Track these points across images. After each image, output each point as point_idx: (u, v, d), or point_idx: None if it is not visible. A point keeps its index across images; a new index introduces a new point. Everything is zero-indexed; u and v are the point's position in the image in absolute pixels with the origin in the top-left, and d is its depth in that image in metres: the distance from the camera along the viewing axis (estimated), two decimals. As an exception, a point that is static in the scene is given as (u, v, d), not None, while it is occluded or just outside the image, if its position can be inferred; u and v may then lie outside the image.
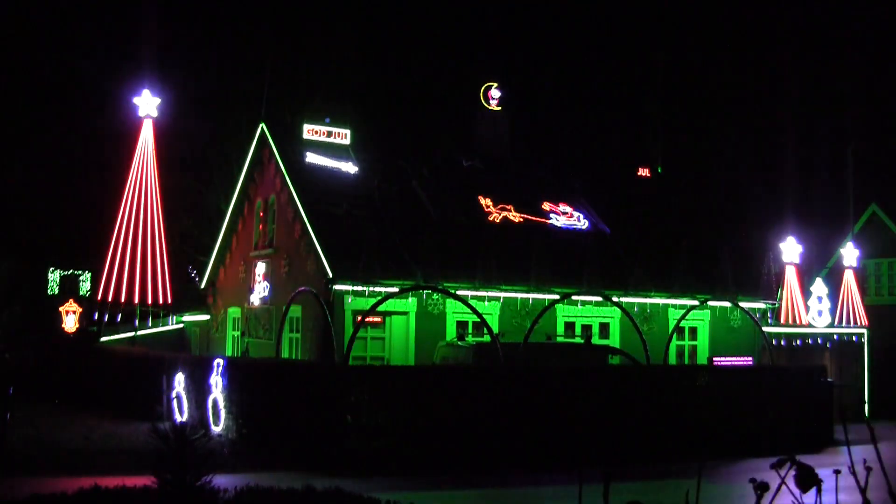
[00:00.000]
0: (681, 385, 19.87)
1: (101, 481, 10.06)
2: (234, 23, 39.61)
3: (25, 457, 16.37)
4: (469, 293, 22.76)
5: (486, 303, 23.53)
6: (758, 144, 44.36)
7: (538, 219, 26.49)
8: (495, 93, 28.67)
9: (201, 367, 20.36)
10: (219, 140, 36.92)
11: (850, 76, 43.53)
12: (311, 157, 25.49)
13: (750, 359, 25.16)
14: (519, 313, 24.15)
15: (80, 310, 29.64)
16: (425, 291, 22.78)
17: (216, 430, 18.99)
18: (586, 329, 25.05)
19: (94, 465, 15.68)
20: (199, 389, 20.13)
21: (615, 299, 22.89)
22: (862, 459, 4.01)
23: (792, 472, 3.59)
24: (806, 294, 29.11)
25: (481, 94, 28.57)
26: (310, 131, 25.97)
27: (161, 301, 27.69)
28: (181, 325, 30.58)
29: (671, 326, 23.79)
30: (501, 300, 24.04)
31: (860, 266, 31.60)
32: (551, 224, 26.55)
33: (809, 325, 28.20)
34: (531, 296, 24.14)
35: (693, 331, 26.89)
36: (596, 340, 24.30)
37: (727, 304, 25.77)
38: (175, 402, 20.87)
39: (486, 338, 20.21)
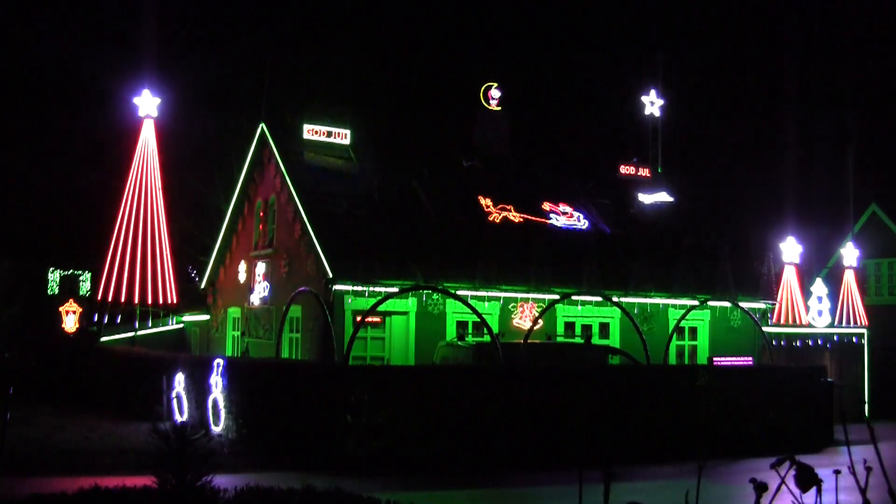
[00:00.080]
0: (681, 385, 19.85)
1: (101, 481, 10.07)
2: (234, 23, 39.64)
3: (25, 457, 16.37)
4: (469, 293, 22.76)
5: (486, 303, 23.53)
6: (758, 144, 44.37)
7: (538, 219, 26.49)
8: (495, 93, 28.67)
9: (201, 367, 20.36)
10: (219, 140, 36.91)
11: (850, 76, 43.52)
12: (311, 157, 25.50)
13: (750, 359, 25.15)
14: (519, 313, 24.15)
15: (80, 310, 29.64)
16: (425, 291, 22.78)
17: (216, 430, 18.99)
18: (586, 329, 25.05)
19: (94, 465, 15.68)
20: (199, 389, 20.13)
21: (615, 299, 22.89)
22: (862, 459, 4.01)
23: (792, 472, 3.59)
24: (806, 294, 29.11)
25: (481, 94, 28.56)
26: (310, 131, 25.97)
27: (165, 301, 27.68)
28: (181, 325, 30.58)
29: (671, 326, 23.80)
30: (501, 300, 24.04)
31: (860, 266, 31.60)
32: (551, 224, 26.56)
33: (809, 326, 28.20)
34: (531, 296, 24.13)
35: (693, 331, 26.89)
36: (596, 340, 24.30)
37: (727, 304, 25.78)
38: (175, 402, 20.87)
39: (486, 338, 20.22)
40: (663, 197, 30.01)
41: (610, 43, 50.31)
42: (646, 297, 25.61)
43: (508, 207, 26.31)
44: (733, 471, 16.18)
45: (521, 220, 26.20)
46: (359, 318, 20.30)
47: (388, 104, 40.21)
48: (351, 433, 16.27)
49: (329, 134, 26.24)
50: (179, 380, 20.90)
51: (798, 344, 27.24)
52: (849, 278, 30.12)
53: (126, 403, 23.92)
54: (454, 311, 23.60)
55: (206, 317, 30.37)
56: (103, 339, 28.58)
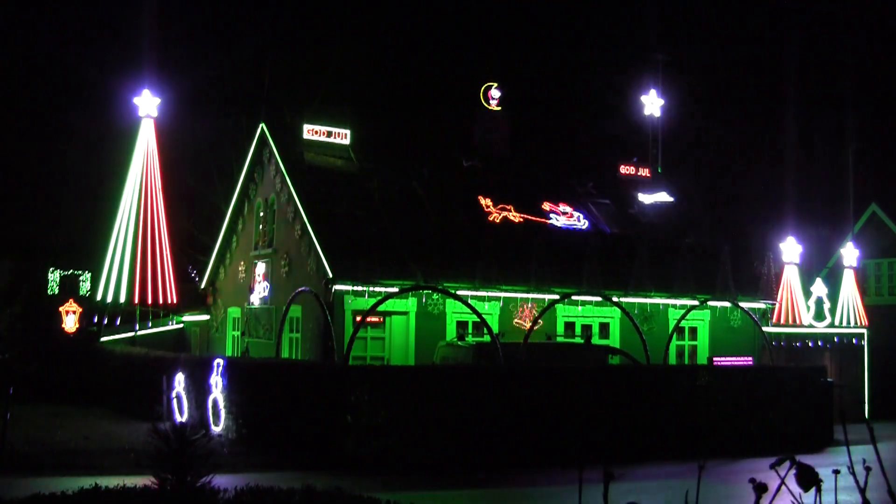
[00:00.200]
0: (681, 385, 19.85)
1: (101, 481, 10.07)
2: (234, 23, 39.64)
3: (25, 456, 16.37)
4: (469, 293, 22.76)
5: (486, 303, 23.52)
6: (758, 144, 44.37)
7: (538, 219, 26.49)
8: (495, 93, 28.67)
9: (201, 367, 20.36)
10: (219, 140, 36.92)
11: (850, 76, 43.51)
12: (311, 157, 25.51)
13: (750, 359, 25.16)
14: (519, 313, 24.15)
15: (80, 310, 29.64)
16: (425, 291, 22.77)
17: (216, 430, 18.99)
18: (586, 329, 25.05)
19: (94, 465, 15.68)
20: (199, 389, 20.13)
21: (615, 299, 22.90)
22: (862, 459, 4.01)
23: (792, 472, 3.59)
24: (806, 294, 29.12)
25: (481, 94, 28.56)
26: (310, 131, 25.98)
27: (165, 301, 27.68)
28: (181, 326, 30.58)
29: (671, 326, 23.80)
30: (501, 300, 24.04)
31: (860, 266, 31.59)
32: (551, 224, 26.56)
33: (809, 326, 28.20)
34: (531, 296, 24.13)
35: (693, 331, 26.89)
36: (596, 340, 24.30)
37: (727, 304, 25.78)
38: (175, 402, 20.87)
39: (486, 338, 20.22)
40: (663, 197, 30.00)
41: (610, 43, 50.32)
42: (646, 297, 25.62)
43: (508, 207, 26.31)
44: (733, 471, 16.18)
45: (521, 220, 26.20)
46: (359, 318, 20.30)
47: (388, 104, 40.25)
48: (351, 433, 16.27)
49: (329, 134, 26.24)
50: (179, 380, 20.90)
51: (798, 344, 27.24)
52: (849, 278, 30.11)
53: (126, 403, 23.94)
54: (454, 311, 23.60)
55: (206, 317, 30.36)
56: (103, 339, 28.58)
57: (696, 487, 3.94)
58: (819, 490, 3.66)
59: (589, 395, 18.49)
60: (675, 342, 24.50)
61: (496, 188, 26.96)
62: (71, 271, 41.57)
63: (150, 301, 27.41)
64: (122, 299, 27.22)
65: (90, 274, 39.84)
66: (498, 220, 25.83)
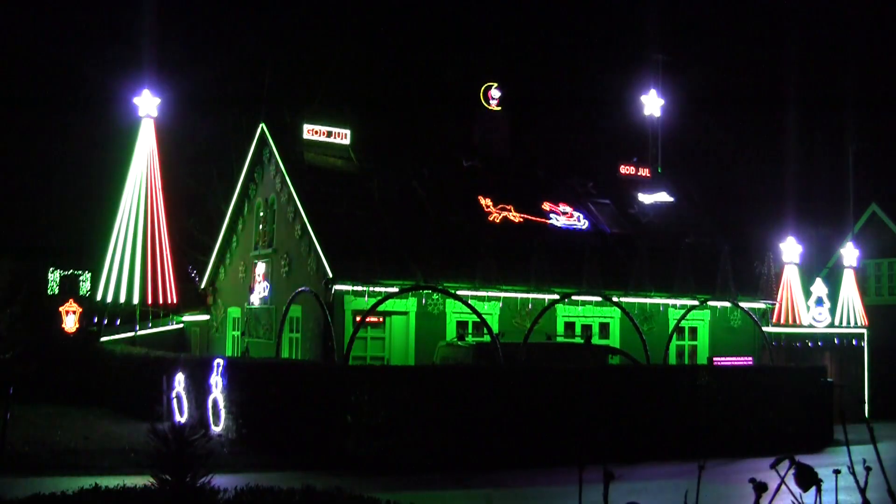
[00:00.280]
0: (681, 385, 19.85)
1: (101, 481, 10.07)
2: (234, 23, 39.62)
3: (25, 456, 16.37)
4: (469, 293, 22.76)
5: (486, 303, 23.51)
6: (758, 144, 44.36)
7: (538, 219, 26.49)
8: (495, 93, 28.67)
9: (201, 367, 20.36)
10: (219, 140, 36.92)
11: (850, 76, 43.53)
12: (311, 157, 25.52)
13: (750, 359, 25.15)
14: (519, 313, 24.14)
15: (80, 310, 29.64)
16: (425, 291, 22.77)
17: (216, 430, 18.99)
18: (586, 329, 25.05)
19: (94, 465, 15.68)
20: (199, 389, 20.13)
21: (615, 299, 22.89)
22: (862, 459, 4.01)
23: (792, 472, 3.59)
24: (806, 294, 29.11)
25: (481, 94, 28.56)
26: (310, 131, 25.98)
27: (165, 301, 27.68)
28: (181, 325, 30.59)
29: (671, 326, 23.80)
30: (501, 300, 24.04)
31: (860, 266, 31.59)
32: (551, 224, 26.56)
33: (809, 326, 28.20)
34: (531, 296, 24.13)
35: (693, 331, 26.89)
36: (596, 340, 24.30)
37: (727, 304, 25.78)
38: (175, 402, 20.87)
39: (486, 338, 20.21)
40: (663, 197, 30.00)
41: (610, 43, 50.30)
42: (646, 297, 25.61)
43: (508, 207, 26.31)
44: (733, 471, 16.18)
45: (521, 220, 26.19)
46: (359, 318, 20.30)
47: (388, 104, 40.22)
48: (351, 433, 16.27)
49: (329, 134, 26.25)
50: (179, 380, 20.90)
51: (798, 344, 27.24)
52: (849, 278, 30.11)
53: (126, 403, 23.94)
54: (454, 311, 23.60)
55: (206, 317, 30.37)
56: (103, 339, 28.58)
57: (696, 487, 3.94)
58: (819, 490, 3.66)
59: (589, 395, 18.48)
60: (675, 342, 24.50)
61: (496, 188, 26.96)
62: (71, 271, 41.56)
63: (150, 301, 27.42)
64: (122, 299, 27.22)
65: (90, 274, 39.83)
66: (498, 220, 25.83)
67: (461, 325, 23.71)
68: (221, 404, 19.16)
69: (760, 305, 27.37)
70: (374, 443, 16.33)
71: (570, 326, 25.12)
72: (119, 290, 27.12)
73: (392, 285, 22.06)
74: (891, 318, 31.04)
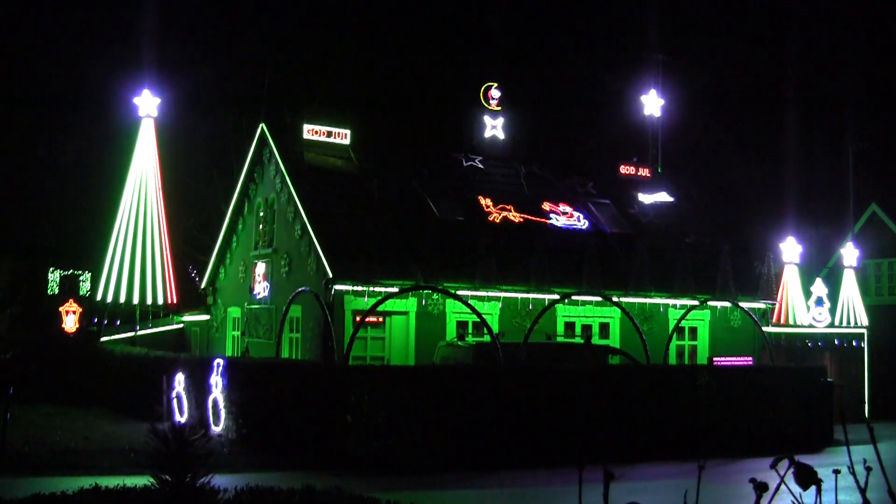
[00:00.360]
0: (681, 385, 19.85)
1: (101, 481, 10.07)
2: (234, 23, 39.64)
3: (25, 456, 16.37)
4: (469, 293, 22.76)
5: (486, 303, 23.51)
6: (758, 144, 44.37)
7: (538, 219, 26.49)
8: (495, 93, 28.65)
9: (201, 367, 20.36)
10: (219, 140, 36.92)
11: (850, 76, 43.52)
12: (311, 157, 25.52)
13: (750, 359, 25.15)
14: (519, 313, 24.14)
15: (80, 310, 29.62)
16: (425, 291, 22.77)
17: (216, 430, 18.99)
18: (586, 329, 25.05)
19: (94, 465, 15.68)
20: (199, 389, 20.13)
21: (615, 299, 22.89)
22: (862, 459, 4.01)
23: (791, 472, 3.59)
24: (806, 294, 29.11)
25: (481, 94, 28.54)
26: (310, 131, 25.98)
27: (165, 301, 27.66)
28: (181, 325, 30.59)
29: (671, 326, 23.80)
30: (501, 300, 24.04)
31: (860, 266, 31.59)
32: (551, 224, 26.55)
33: (809, 326, 28.20)
34: (531, 296, 24.13)
35: (693, 331, 26.89)
36: (596, 340, 24.29)
37: (727, 304, 25.78)
38: (175, 402, 20.87)
39: (486, 338, 20.21)
40: (663, 197, 30.00)
41: (610, 43, 50.28)
42: (646, 297, 25.61)
43: (508, 207, 26.31)
44: (733, 471, 16.18)
45: (521, 220, 26.19)
46: (359, 318, 20.30)
47: (388, 104, 40.21)
48: (351, 433, 16.27)
49: (329, 134, 26.25)
50: (179, 380, 20.90)
51: (798, 344, 27.24)
52: (849, 278, 30.11)
53: (126, 403, 23.94)
54: (454, 311, 23.59)
55: (206, 317, 30.36)
56: (103, 339, 28.58)
57: (696, 487, 3.94)
58: (819, 490, 3.66)
59: (589, 395, 18.49)
60: (675, 342, 24.49)
61: (496, 188, 26.96)
62: (71, 271, 41.55)
63: (150, 301, 27.41)
64: (122, 299, 27.21)
65: (90, 274, 39.81)
66: (498, 220, 25.83)
67: (461, 325, 23.70)
68: (221, 404, 19.16)
69: (760, 305, 27.37)
70: (374, 443, 16.33)
71: (570, 326, 25.12)
72: (119, 290, 27.11)
73: (392, 285, 22.06)
74: (891, 318, 31.03)
